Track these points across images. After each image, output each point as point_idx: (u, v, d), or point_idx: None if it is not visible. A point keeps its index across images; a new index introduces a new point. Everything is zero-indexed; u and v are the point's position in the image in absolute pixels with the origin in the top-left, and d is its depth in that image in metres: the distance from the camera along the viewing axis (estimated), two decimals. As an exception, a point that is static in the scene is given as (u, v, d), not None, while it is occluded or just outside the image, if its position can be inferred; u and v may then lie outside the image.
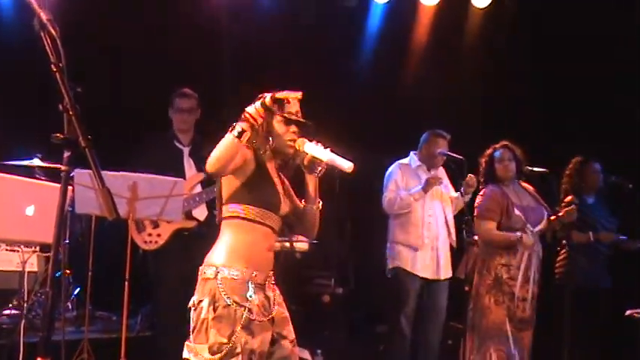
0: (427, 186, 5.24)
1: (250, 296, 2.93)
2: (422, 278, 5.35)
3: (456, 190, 5.47)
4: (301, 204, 3.20)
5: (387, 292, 5.59)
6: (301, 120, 3.09)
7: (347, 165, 2.94)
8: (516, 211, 5.06)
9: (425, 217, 5.38)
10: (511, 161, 5.18)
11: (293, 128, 3.08)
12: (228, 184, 3.03)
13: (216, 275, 2.94)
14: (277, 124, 3.06)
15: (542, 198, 5.29)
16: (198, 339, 2.91)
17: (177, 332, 4.85)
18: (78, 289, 6.41)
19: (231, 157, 2.86)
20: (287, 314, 3.14)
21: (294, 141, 3.06)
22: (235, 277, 2.93)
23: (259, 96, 2.95)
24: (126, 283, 4.43)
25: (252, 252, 3.00)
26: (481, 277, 5.12)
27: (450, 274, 5.45)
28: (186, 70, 6.73)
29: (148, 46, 6.98)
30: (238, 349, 2.86)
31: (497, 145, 5.24)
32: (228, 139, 2.84)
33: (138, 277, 4.57)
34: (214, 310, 2.90)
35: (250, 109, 2.89)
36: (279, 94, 2.97)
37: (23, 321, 4.25)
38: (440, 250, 5.39)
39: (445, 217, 5.46)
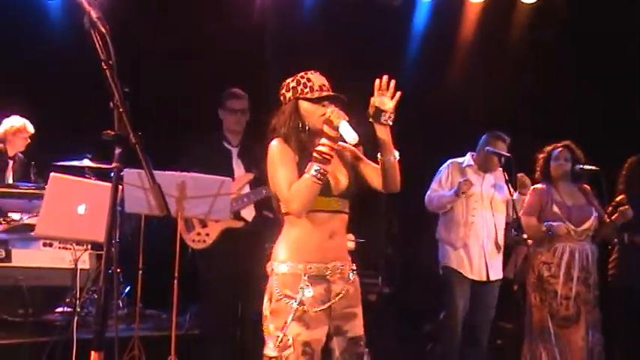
0: (458, 190, 5.17)
1: (302, 288, 2.92)
2: (470, 279, 5.29)
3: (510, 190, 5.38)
4: (370, 162, 3.11)
5: (438, 290, 5.54)
6: (330, 94, 3.02)
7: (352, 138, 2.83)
8: (554, 208, 5.07)
9: (468, 217, 5.31)
10: (567, 161, 5.17)
11: (323, 103, 2.99)
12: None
13: (272, 272, 3.00)
14: (304, 105, 3.01)
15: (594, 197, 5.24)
16: (265, 334, 2.99)
17: (223, 331, 4.93)
18: (128, 288, 6.51)
19: (314, 199, 2.89)
20: (356, 310, 3.06)
21: (327, 113, 2.92)
22: (286, 272, 2.95)
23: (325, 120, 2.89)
24: (175, 281, 4.47)
25: (305, 244, 2.97)
26: (527, 276, 5.13)
27: (500, 276, 5.37)
28: (231, 70, 6.77)
29: (194, 46, 7.05)
30: (290, 341, 2.87)
31: (558, 144, 5.21)
32: (308, 184, 2.84)
33: (187, 275, 4.60)
34: (270, 305, 2.97)
35: (322, 149, 2.85)
36: (329, 116, 2.89)
37: (76, 318, 4.32)
38: (487, 250, 5.32)
39: (494, 219, 5.38)
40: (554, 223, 5.01)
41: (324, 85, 3.03)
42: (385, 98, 2.90)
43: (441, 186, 5.39)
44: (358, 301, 3.10)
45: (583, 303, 5.06)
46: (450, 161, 5.51)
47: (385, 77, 2.92)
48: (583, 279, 5.08)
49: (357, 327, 3.06)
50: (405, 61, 8.20)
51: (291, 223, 3.01)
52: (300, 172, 2.90)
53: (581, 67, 7.22)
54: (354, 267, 3.10)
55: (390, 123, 2.94)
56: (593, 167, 5.18)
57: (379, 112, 2.90)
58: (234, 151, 4.99)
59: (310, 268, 2.94)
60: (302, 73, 3.05)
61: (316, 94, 2.99)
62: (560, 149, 5.19)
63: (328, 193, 2.97)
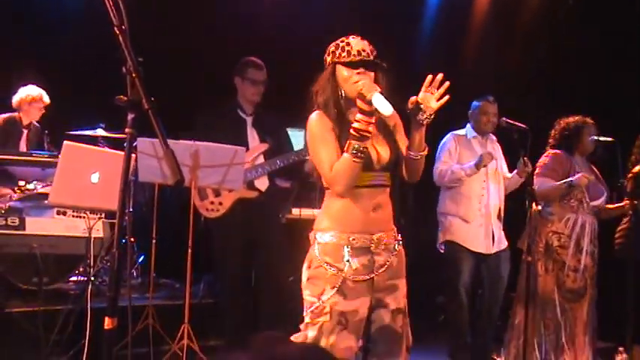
0: (480, 162, 5.10)
1: (347, 260, 2.87)
2: (476, 252, 5.26)
3: (511, 165, 5.33)
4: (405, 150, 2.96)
5: (442, 265, 5.50)
6: (366, 58, 2.88)
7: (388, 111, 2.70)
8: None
9: (478, 189, 5.27)
10: (595, 140, 5.16)
11: (358, 70, 2.86)
12: None
13: (314, 240, 2.95)
14: (341, 70, 2.89)
15: (605, 168, 5.27)
16: (304, 300, 2.96)
17: (236, 299, 4.95)
18: (142, 257, 6.54)
19: (356, 177, 2.83)
20: (398, 282, 3.00)
21: (359, 85, 2.79)
22: (328, 241, 2.90)
23: (359, 97, 2.75)
24: (189, 250, 4.47)
25: (348, 215, 2.90)
26: (534, 244, 5.08)
27: (504, 245, 5.34)
28: (251, 40, 6.72)
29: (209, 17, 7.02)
30: (327, 309, 2.84)
31: (588, 120, 5.16)
32: (348, 164, 2.77)
33: (200, 245, 4.61)
34: (309, 271, 2.93)
35: (358, 126, 2.74)
36: (360, 89, 2.75)
37: (90, 287, 4.34)
38: (493, 222, 5.28)
39: (498, 190, 5.34)
40: (575, 176, 4.96)
41: (364, 51, 2.88)
42: (431, 97, 2.80)
43: (451, 159, 5.33)
44: (402, 272, 3.04)
45: (590, 277, 5.06)
46: (451, 133, 5.45)
47: (440, 76, 2.81)
48: (591, 252, 5.07)
49: (399, 299, 3.01)
50: (418, 37, 8.14)
51: (334, 195, 2.94)
52: (341, 145, 2.82)
53: (592, 39, 7.12)
54: (399, 238, 3.03)
55: (426, 123, 2.84)
56: (609, 139, 5.14)
57: (419, 108, 2.79)
58: (249, 120, 4.96)
59: (354, 239, 2.88)
60: (344, 37, 2.94)
61: (352, 59, 2.87)
62: (592, 126, 5.15)
63: (371, 168, 2.89)
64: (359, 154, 2.76)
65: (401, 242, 3.04)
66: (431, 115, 2.81)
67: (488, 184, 5.28)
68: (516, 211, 5.35)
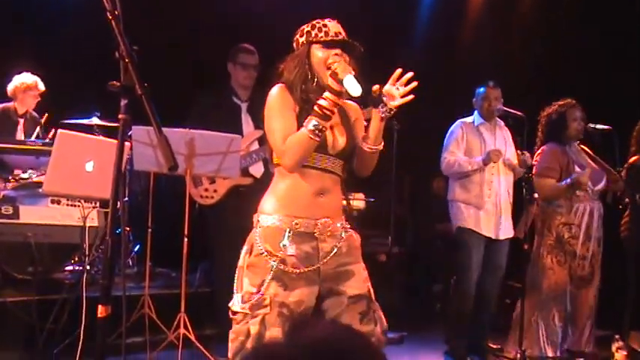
0: (487, 159, 5.13)
1: (284, 245, 2.77)
2: (485, 237, 5.26)
3: (517, 148, 5.33)
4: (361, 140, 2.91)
5: (449, 250, 5.51)
6: (345, 39, 2.85)
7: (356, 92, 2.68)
8: (577, 169, 5.05)
9: (487, 175, 5.26)
10: (583, 121, 5.14)
11: (335, 51, 2.82)
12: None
13: (257, 223, 2.87)
14: (316, 51, 2.85)
15: (602, 157, 5.24)
16: (236, 286, 2.84)
17: (232, 287, 4.93)
18: (138, 247, 6.52)
19: (308, 155, 2.77)
20: (352, 268, 2.87)
21: (334, 65, 2.76)
22: (271, 225, 2.80)
23: (330, 73, 2.74)
24: (185, 239, 4.46)
25: (294, 198, 2.82)
26: (542, 238, 5.11)
27: (511, 234, 5.35)
28: (241, 27, 6.70)
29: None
30: (267, 301, 2.73)
31: (569, 103, 5.15)
32: (303, 139, 2.71)
33: (196, 233, 4.59)
34: (248, 257, 2.83)
35: (323, 103, 2.69)
36: (335, 68, 2.74)
37: (85, 276, 4.31)
38: (502, 209, 5.28)
39: (506, 176, 5.33)
40: (575, 174, 4.97)
41: (340, 33, 2.87)
42: (396, 92, 2.75)
43: (458, 148, 5.33)
44: (356, 258, 2.92)
45: (597, 262, 5.09)
46: (459, 121, 5.45)
47: (409, 75, 2.76)
48: (597, 238, 5.09)
49: (356, 285, 2.87)
50: (415, 24, 8.12)
51: (282, 175, 2.86)
52: (299, 125, 2.76)
53: (590, 28, 7.09)
54: (347, 225, 2.93)
55: (385, 116, 2.80)
56: (605, 126, 5.13)
57: (380, 100, 2.76)
58: (244, 107, 4.97)
59: (297, 223, 2.79)
60: (319, 19, 2.90)
61: (330, 39, 2.83)
62: (575, 109, 5.14)
63: (323, 151, 2.81)
64: (317, 132, 2.70)
65: (349, 229, 2.93)
66: (391, 110, 2.77)
67: (498, 170, 5.29)
68: (514, 200, 5.36)
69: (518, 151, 5.09)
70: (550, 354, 5.08)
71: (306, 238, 2.81)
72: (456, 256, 5.44)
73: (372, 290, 2.94)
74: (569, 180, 5.00)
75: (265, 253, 2.77)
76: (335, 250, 2.84)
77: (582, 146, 5.29)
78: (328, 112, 2.70)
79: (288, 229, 2.79)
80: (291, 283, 2.76)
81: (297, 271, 2.77)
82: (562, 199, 5.11)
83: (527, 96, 6.36)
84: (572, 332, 5.14)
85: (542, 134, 5.27)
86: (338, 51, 2.82)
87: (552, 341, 5.09)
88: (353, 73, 2.71)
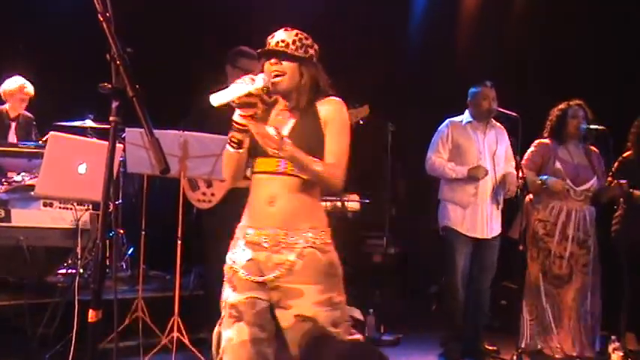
0: (470, 175, 5.17)
1: (234, 253, 2.81)
2: (472, 238, 5.25)
3: (513, 149, 5.31)
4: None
5: (440, 251, 5.49)
6: (265, 49, 2.81)
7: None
8: (557, 165, 5.18)
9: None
10: (584, 120, 5.17)
11: (271, 60, 2.77)
12: None
13: None
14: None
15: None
16: None
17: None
18: (131, 249, 6.49)
19: (237, 168, 2.82)
20: (303, 289, 2.70)
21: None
22: (235, 235, 2.86)
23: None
24: (179, 242, 4.43)
25: (250, 207, 2.83)
26: (525, 234, 5.15)
27: (498, 232, 5.33)
28: (237, 30, 6.68)
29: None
30: (224, 304, 2.79)
31: (571, 102, 5.20)
32: (226, 152, 2.79)
33: (191, 236, 4.57)
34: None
35: (237, 118, 2.67)
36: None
37: (77, 279, 4.29)
38: (489, 208, 5.27)
39: (495, 175, 5.30)
40: (551, 179, 5.05)
41: (282, 41, 2.79)
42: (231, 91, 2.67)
43: (444, 148, 5.33)
44: (311, 279, 2.72)
45: (576, 264, 5.14)
46: (448, 120, 5.45)
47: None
48: (578, 239, 5.12)
49: (304, 306, 2.71)
50: (411, 21, 8.12)
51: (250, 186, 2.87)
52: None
53: (592, 23, 7.08)
54: (315, 241, 2.74)
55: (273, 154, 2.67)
56: (600, 127, 5.16)
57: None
58: (240, 109, 4.92)
59: (248, 234, 2.78)
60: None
61: (262, 49, 2.83)
62: (576, 107, 5.18)
63: (263, 154, 2.72)
64: (232, 144, 2.73)
65: (320, 247, 2.75)
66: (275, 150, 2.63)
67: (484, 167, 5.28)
68: (508, 200, 5.35)
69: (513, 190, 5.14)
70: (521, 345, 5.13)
71: (258, 247, 2.75)
72: (443, 256, 5.42)
73: (328, 317, 2.74)
74: (544, 178, 5.10)
75: (230, 262, 2.82)
76: (288, 264, 2.71)
77: (591, 147, 5.30)
78: (239, 127, 2.69)
79: (242, 239, 2.81)
80: (240, 286, 2.76)
81: (245, 277, 2.75)
82: (541, 195, 5.18)
83: (522, 96, 6.36)
84: (557, 331, 5.14)
85: (545, 130, 5.33)
86: (273, 60, 2.78)
87: (521, 333, 5.13)
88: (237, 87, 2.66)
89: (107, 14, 2.12)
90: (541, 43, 7.38)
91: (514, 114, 5.08)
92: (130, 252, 6.54)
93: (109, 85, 2.07)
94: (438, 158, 5.32)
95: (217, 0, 7.24)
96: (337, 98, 2.86)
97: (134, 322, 4.76)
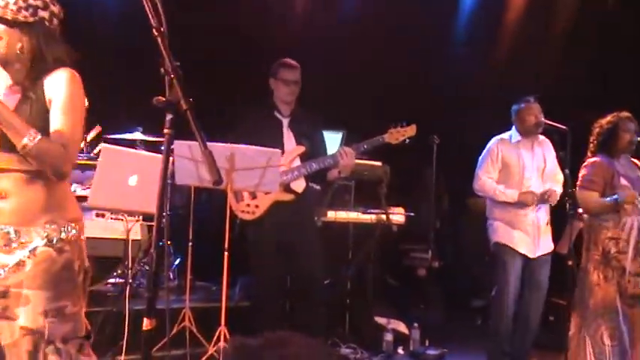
0: (522, 201, 5.18)
1: None
2: (523, 254, 5.21)
3: (560, 163, 5.26)
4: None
5: (487, 265, 5.47)
6: None
7: None
8: (622, 181, 4.91)
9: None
10: (636, 132, 5.02)
11: None
12: None
13: None
14: None
15: None
16: None
17: (272, 302, 4.94)
18: (179, 260, 6.57)
19: None
20: (30, 294, 2.42)
21: None
22: None
23: None
24: (225, 253, 4.48)
25: None
26: (588, 253, 4.97)
27: (550, 248, 5.28)
28: (279, 44, 6.74)
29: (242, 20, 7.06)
30: None
31: (622, 115, 5.05)
32: None
33: (236, 247, 4.61)
34: None
35: None
36: None
37: (128, 289, 4.36)
38: (540, 225, 5.23)
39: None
40: (622, 193, 4.85)
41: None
42: None
43: (493, 167, 5.34)
44: (42, 284, 2.44)
45: None
46: (495, 138, 5.43)
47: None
48: None
49: (28, 316, 2.41)
50: (452, 39, 8.12)
51: None
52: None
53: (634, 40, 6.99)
54: (53, 238, 2.49)
55: None
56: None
57: None
58: (285, 122, 4.98)
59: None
60: None
61: None
62: (629, 121, 5.04)
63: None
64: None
65: (54, 246, 2.49)
66: None
67: (533, 186, 5.26)
68: (557, 215, 5.30)
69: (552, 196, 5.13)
70: None
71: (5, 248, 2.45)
72: (493, 273, 5.39)
73: (56, 330, 2.48)
74: (612, 198, 4.88)
75: None
76: (10, 263, 2.43)
77: (635, 160, 5.19)
78: None
79: None
80: None
81: None
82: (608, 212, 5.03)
83: (571, 109, 6.30)
84: (631, 354, 4.98)
85: (593, 145, 5.16)
86: None
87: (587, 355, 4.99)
88: None
89: (161, 29, 2.17)
90: (582, 59, 7.31)
91: (563, 127, 5.02)
92: (176, 263, 6.63)
93: (164, 99, 2.12)
94: (489, 179, 5.33)
95: (262, 14, 7.31)
96: (67, 68, 2.57)
97: (181, 332, 4.83)
